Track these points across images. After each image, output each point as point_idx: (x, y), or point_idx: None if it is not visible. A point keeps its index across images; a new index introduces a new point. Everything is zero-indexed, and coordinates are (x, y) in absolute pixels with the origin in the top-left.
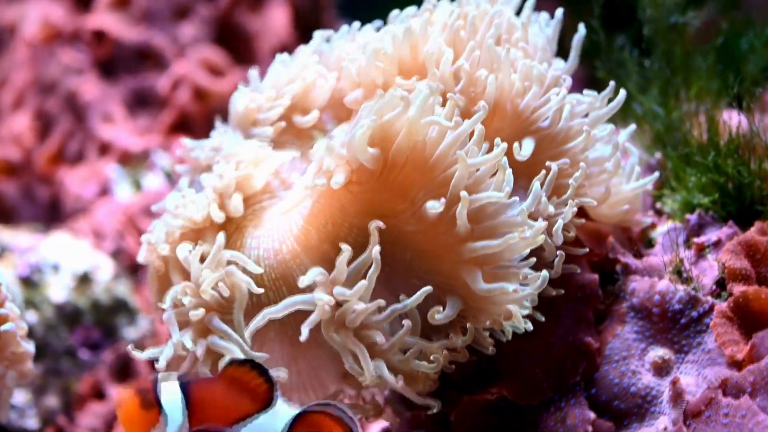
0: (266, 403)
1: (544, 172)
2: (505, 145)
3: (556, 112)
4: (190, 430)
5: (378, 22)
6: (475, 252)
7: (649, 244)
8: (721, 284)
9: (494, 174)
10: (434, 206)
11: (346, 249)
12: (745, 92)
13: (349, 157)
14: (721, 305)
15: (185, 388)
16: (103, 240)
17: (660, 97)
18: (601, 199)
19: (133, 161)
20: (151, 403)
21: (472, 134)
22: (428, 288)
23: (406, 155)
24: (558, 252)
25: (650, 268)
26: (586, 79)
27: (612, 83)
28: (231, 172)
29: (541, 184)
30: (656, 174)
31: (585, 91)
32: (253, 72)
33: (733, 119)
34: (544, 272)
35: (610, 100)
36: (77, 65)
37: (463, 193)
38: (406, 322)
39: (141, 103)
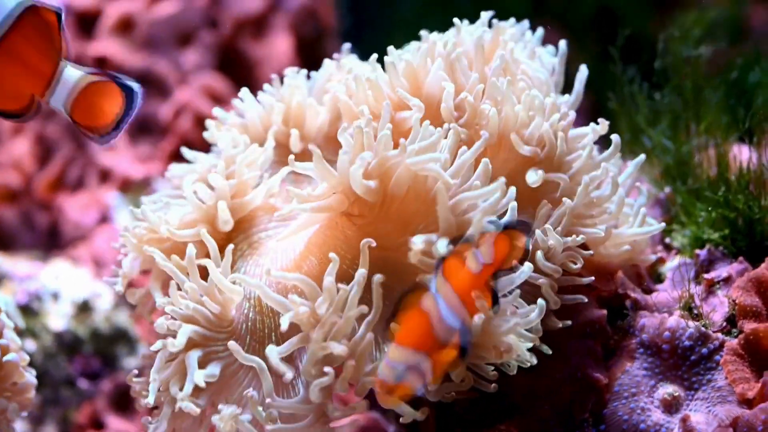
0: None
1: (545, 201)
2: (503, 179)
3: (559, 142)
4: None
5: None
6: None
7: (659, 279)
8: (731, 321)
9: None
10: (418, 241)
11: (335, 260)
12: (756, 126)
13: (346, 189)
14: (732, 342)
15: None
16: (103, 268)
17: (670, 131)
18: (603, 240)
19: (133, 188)
20: None
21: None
22: None
23: (407, 187)
24: (547, 281)
25: (660, 304)
26: (595, 110)
27: (603, 121)
28: (225, 183)
29: (547, 215)
30: (662, 225)
31: (591, 125)
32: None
33: (743, 153)
34: (541, 301)
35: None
36: None
37: (442, 242)
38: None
39: (142, 129)
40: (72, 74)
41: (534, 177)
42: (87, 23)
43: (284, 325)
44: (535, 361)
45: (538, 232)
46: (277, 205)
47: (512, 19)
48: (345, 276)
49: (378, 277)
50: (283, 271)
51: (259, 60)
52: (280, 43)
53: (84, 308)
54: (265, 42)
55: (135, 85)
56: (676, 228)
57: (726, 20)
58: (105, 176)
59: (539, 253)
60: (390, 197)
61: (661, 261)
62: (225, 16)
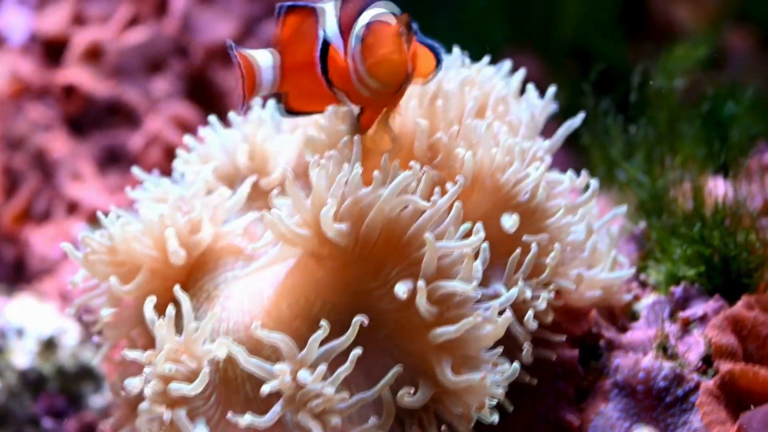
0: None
1: (520, 250)
2: (482, 234)
3: (534, 188)
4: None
5: None
6: (440, 338)
7: (633, 317)
8: (707, 360)
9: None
10: (402, 288)
11: (324, 328)
12: (731, 161)
13: (316, 229)
14: (708, 383)
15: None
16: (69, 303)
17: (645, 164)
18: (576, 283)
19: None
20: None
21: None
22: (397, 369)
23: (379, 232)
24: (525, 345)
25: (634, 343)
26: (570, 140)
27: (585, 172)
28: (180, 216)
29: (519, 264)
30: (632, 270)
31: (568, 173)
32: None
33: (719, 188)
34: (516, 364)
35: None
36: (46, 121)
37: (420, 283)
38: (372, 419)
39: (111, 160)
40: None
41: (510, 222)
42: (55, 51)
43: (266, 391)
44: (496, 419)
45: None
46: (244, 248)
47: (487, 61)
48: (315, 321)
49: (358, 318)
50: (266, 331)
51: (230, 88)
52: None
53: (49, 345)
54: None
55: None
56: (651, 264)
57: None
58: (72, 208)
59: (508, 311)
60: (362, 241)
61: (636, 298)
62: (195, 44)
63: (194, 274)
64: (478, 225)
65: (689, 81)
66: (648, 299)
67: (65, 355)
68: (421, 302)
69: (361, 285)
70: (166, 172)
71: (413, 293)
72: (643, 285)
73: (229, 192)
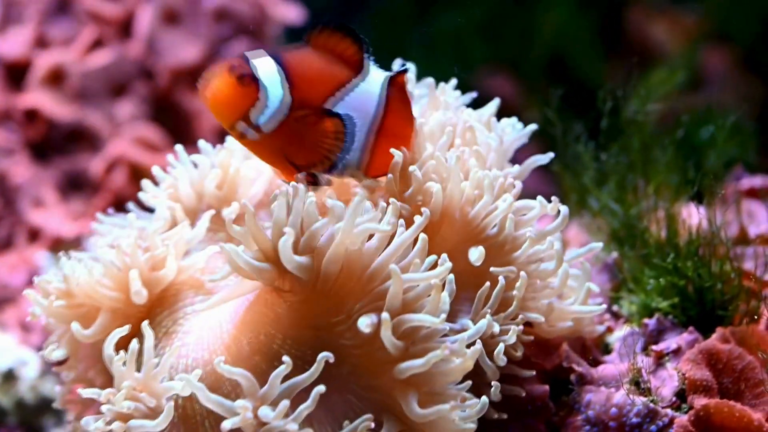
0: (359, 68)
1: (488, 284)
2: (449, 265)
3: (503, 220)
4: (293, 105)
5: None
6: (405, 372)
7: (606, 349)
8: (681, 395)
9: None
10: (366, 322)
11: (287, 364)
12: (706, 187)
13: (277, 261)
14: (682, 419)
15: (279, 60)
16: (30, 333)
17: (617, 191)
18: (546, 315)
19: (64, 248)
20: (249, 78)
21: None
22: (368, 417)
23: (341, 265)
24: (493, 384)
25: (606, 377)
26: (543, 168)
27: (555, 199)
28: (140, 254)
29: (487, 297)
30: (603, 306)
31: (539, 198)
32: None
33: (693, 216)
34: (484, 398)
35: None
36: (7, 146)
37: (384, 315)
38: None
39: (74, 185)
40: None
41: (476, 255)
42: (16, 75)
43: (227, 428)
44: None
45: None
46: (205, 281)
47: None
48: (276, 356)
49: (324, 355)
50: (228, 366)
51: (197, 111)
52: None
53: (8, 377)
54: None
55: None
56: (624, 295)
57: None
58: (34, 235)
59: (478, 343)
60: (324, 274)
61: (608, 330)
62: (160, 66)
63: (154, 309)
64: (444, 256)
65: (666, 106)
66: (621, 331)
67: (25, 387)
68: (386, 336)
69: (323, 320)
70: (130, 195)
71: (377, 327)
72: (616, 316)
73: (188, 227)
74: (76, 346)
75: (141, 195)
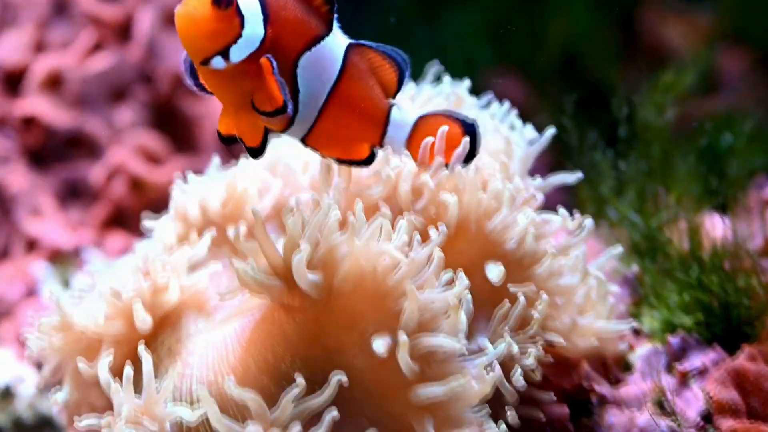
0: (328, 26)
1: (507, 301)
2: (467, 283)
3: (523, 235)
4: (263, 46)
5: None
6: (422, 397)
7: (627, 368)
8: (707, 418)
9: None
10: (380, 344)
11: (301, 386)
12: (730, 196)
13: (287, 277)
14: None
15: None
16: (28, 349)
17: (637, 202)
18: (568, 332)
19: (62, 259)
20: (234, 10)
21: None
22: None
23: (354, 283)
24: (509, 411)
25: (629, 398)
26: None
27: (578, 216)
28: (143, 281)
29: (505, 315)
30: (630, 323)
31: (560, 212)
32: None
33: (716, 226)
34: (503, 427)
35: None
36: (4, 153)
37: (402, 338)
38: None
39: (73, 194)
40: (402, 116)
41: (495, 273)
42: (13, 80)
43: None
44: None
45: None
46: (209, 299)
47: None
48: (285, 377)
49: (338, 378)
50: (239, 388)
51: (199, 117)
52: None
53: (5, 395)
54: (204, 98)
55: (468, 118)
56: (646, 310)
57: (698, 70)
58: (32, 245)
59: (497, 368)
60: (336, 292)
61: (630, 347)
62: (161, 71)
63: (157, 331)
64: (461, 273)
65: (680, 110)
66: (643, 349)
67: (23, 405)
68: (403, 358)
69: (335, 339)
70: (130, 205)
71: (393, 349)
72: (637, 333)
73: (190, 247)
74: (76, 375)
75: (144, 224)
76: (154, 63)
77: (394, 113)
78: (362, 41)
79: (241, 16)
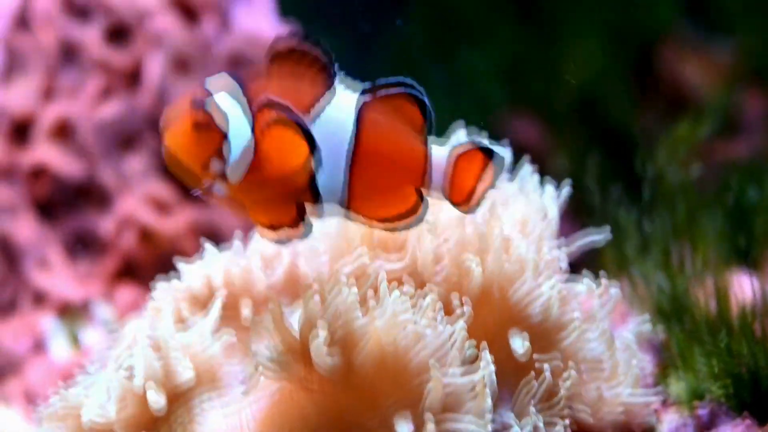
0: (327, 87)
1: (533, 375)
2: (492, 368)
3: (548, 304)
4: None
5: None
6: None
7: None
8: None
9: None
10: (404, 427)
11: None
12: (759, 256)
13: (306, 359)
14: None
15: (238, 95)
16: (36, 406)
17: (661, 261)
18: (594, 403)
19: (71, 312)
20: (207, 120)
21: None
22: None
23: (375, 363)
24: None
25: None
26: (576, 216)
27: (604, 281)
28: (155, 361)
29: (530, 389)
30: (659, 397)
31: (585, 280)
32: None
33: (745, 288)
34: None
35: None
36: (11, 204)
37: (429, 426)
38: None
39: (82, 245)
40: (439, 153)
41: (520, 346)
42: (21, 127)
43: None
44: None
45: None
46: (223, 373)
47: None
48: None
49: None
50: None
51: None
52: None
53: None
54: None
55: (497, 148)
56: (672, 376)
57: (719, 111)
58: (39, 299)
59: None
60: (356, 373)
61: (657, 417)
62: None
63: (169, 408)
64: (486, 353)
65: (698, 161)
66: (670, 418)
67: None
68: None
69: (355, 420)
70: (140, 256)
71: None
72: (664, 401)
73: (201, 321)
74: None
75: (150, 304)
76: (164, 109)
77: (433, 151)
78: (370, 85)
79: (223, 133)
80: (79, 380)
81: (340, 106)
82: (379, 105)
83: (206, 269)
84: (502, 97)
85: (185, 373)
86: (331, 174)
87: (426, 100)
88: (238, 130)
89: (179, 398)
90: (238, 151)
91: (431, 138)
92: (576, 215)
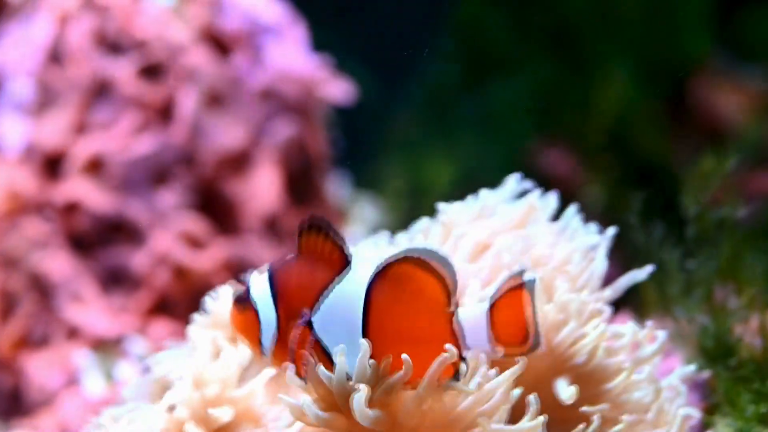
0: (342, 268)
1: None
2: (541, 419)
3: (593, 349)
4: (279, 322)
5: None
6: None
7: None
8: None
9: None
10: None
11: None
12: None
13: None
14: None
15: (271, 279)
16: None
17: (706, 302)
18: None
19: (104, 347)
20: (246, 305)
21: None
22: None
23: (420, 417)
24: None
25: None
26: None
27: (649, 325)
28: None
29: None
30: None
31: (629, 324)
32: None
33: None
34: None
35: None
36: (44, 238)
37: None
38: None
39: (115, 280)
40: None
41: (567, 393)
42: (53, 163)
43: None
44: None
45: None
46: (263, 414)
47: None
48: None
49: None
50: None
51: (242, 199)
52: (265, 180)
53: None
54: (248, 179)
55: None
56: (719, 419)
57: (752, 142)
58: (72, 333)
59: None
60: (400, 425)
61: None
62: (204, 151)
63: None
64: (537, 412)
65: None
66: None
67: None
68: None
69: None
70: (173, 292)
71: None
72: None
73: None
74: None
75: (190, 330)
76: (197, 144)
77: (462, 316)
78: (391, 260)
79: (255, 309)
80: (114, 415)
81: (355, 280)
82: (390, 277)
83: None
84: (534, 129)
85: (225, 411)
86: (351, 351)
87: (449, 264)
88: (267, 309)
89: None
90: (266, 327)
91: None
92: (615, 251)
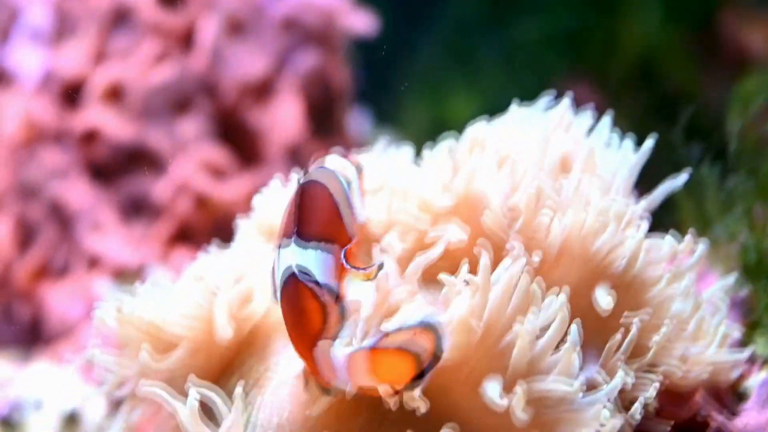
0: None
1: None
2: (575, 327)
3: (632, 256)
4: None
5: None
6: None
7: (740, 397)
8: None
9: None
10: (497, 393)
11: None
12: None
13: None
14: None
15: None
16: (92, 369)
17: (745, 219)
18: (680, 361)
19: (126, 276)
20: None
21: None
22: None
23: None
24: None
25: (749, 428)
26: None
27: (689, 238)
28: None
29: (618, 346)
30: (747, 352)
31: (668, 236)
32: None
33: None
34: None
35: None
36: (64, 167)
37: (519, 390)
38: None
39: (136, 209)
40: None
41: (605, 300)
42: (72, 91)
43: None
44: None
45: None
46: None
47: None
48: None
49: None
50: None
51: (265, 129)
52: (287, 109)
53: (71, 419)
54: (270, 108)
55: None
56: (759, 335)
57: None
58: (93, 263)
59: (617, 418)
60: None
61: (743, 375)
62: (225, 81)
63: (242, 352)
64: (562, 297)
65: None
66: (759, 376)
67: (90, 430)
68: (518, 407)
69: (436, 384)
70: (195, 222)
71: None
72: (751, 359)
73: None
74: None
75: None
76: (219, 73)
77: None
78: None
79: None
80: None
81: None
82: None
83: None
84: (559, 63)
85: (258, 306)
86: None
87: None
88: None
89: (253, 346)
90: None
91: None
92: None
